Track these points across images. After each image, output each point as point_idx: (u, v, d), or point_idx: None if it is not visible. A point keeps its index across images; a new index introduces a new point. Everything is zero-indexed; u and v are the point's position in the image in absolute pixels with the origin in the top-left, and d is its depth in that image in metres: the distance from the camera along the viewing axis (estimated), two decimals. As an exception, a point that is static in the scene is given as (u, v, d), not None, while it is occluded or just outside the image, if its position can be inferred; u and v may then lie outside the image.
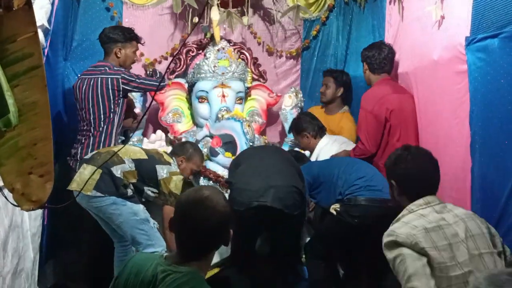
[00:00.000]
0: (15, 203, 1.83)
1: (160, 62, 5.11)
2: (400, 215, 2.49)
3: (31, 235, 3.78)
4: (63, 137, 4.39)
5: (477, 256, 2.34)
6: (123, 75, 4.20)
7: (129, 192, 3.71)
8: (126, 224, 3.68)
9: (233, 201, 3.42)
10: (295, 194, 3.54)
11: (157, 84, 4.30)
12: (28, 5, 1.82)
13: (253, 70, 5.09)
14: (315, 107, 5.09)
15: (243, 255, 3.68)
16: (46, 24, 4.02)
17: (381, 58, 4.13)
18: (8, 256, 3.25)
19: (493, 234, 2.46)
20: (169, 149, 4.60)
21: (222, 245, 1.97)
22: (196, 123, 4.92)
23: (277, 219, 3.51)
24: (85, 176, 3.65)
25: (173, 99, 4.97)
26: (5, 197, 1.88)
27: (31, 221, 3.79)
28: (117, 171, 3.67)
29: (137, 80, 4.24)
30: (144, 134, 4.93)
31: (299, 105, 5.08)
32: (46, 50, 4.05)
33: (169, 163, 3.86)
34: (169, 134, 4.89)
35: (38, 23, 3.91)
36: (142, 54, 5.04)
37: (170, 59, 5.06)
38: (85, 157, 3.88)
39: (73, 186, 3.67)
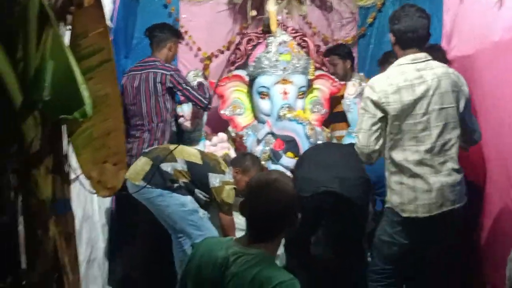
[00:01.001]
0: (92, 191, 1.94)
1: (217, 56, 5.18)
2: (388, 69, 3.09)
3: (101, 225, 3.95)
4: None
5: (437, 110, 2.98)
6: (174, 73, 4.31)
7: (176, 185, 3.76)
8: (174, 215, 3.75)
9: (297, 188, 3.39)
10: (364, 185, 3.56)
11: (200, 98, 4.37)
12: (97, 2, 1.92)
13: (316, 58, 5.06)
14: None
15: (299, 245, 3.68)
16: (109, 23, 4.16)
17: None
18: (83, 246, 3.42)
19: (460, 92, 3.09)
20: (232, 150, 4.66)
21: (290, 228, 2.00)
22: (257, 118, 4.91)
23: (342, 208, 3.52)
24: (137, 167, 3.77)
25: (233, 91, 4.95)
26: (82, 185, 2.00)
27: (101, 212, 3.96)
28: (167, 167, 3.73)
29: (184, 85, 4.33)
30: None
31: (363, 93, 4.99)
32: (109, 48, 4.20)
33: (223, 172, 3.87)
34: (229, 128, 4.90)
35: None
36: (199, 49, 5.13)
37: (226, 53, 5.12)
38: (144, 151, 4.00)
39: (126, 174, 3.77)
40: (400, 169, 3.04)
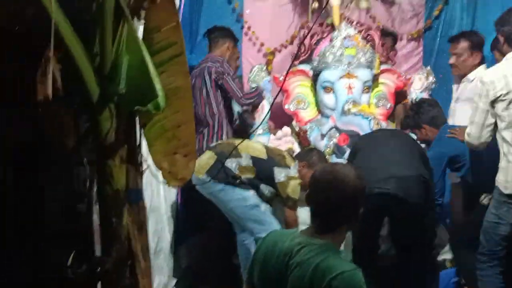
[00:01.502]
0: (164, 181, 2.00)
1: (280, 51, 5.19)
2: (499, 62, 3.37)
3: (167, 217, 4.04)
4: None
5: None
6: (218, 64, 4.37)
7: (238, 181, 3.79)
8: (236, 210, 3.79)
9: None
10: (421, 184, 3.44)
11: (236, 92, 4.39)
12: (170, -3, 1.97)
13: (381, 52, 5.00)
14: None
15: (366, 253, 3.51)
16: (175, 19, 4.25)
17: None
18: (150, 236, 3.48)
19: None
20: (296, 145, 4.67)
21: (352, 221, 1.98)
22: (321, 112, 4.90)
23: (400, 210, 3.42)
24: (202, 160, 3.81)
25: (296, 86, 4.96)
26: (154, 175, 2.06)
27: (167, 205, 4.05)
28: (232, 164, 3.76)
29: (225, 75, 4.36)
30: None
31: (430, 87, 4.90)
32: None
33: (288, 167, 3.87)
34: (293, 123, 4.92)
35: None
36: (262, 44, 5.15)
37: (289, 47, 5.13)
38: (209, 145, 4.06)
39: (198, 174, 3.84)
40: (509, 149, 3.23)
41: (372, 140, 3.81)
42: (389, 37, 4.92)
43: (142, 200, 2.00)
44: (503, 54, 3.45)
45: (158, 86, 1.83)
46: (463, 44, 4.35)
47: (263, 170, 3.82)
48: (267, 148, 4.00)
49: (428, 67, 4.91)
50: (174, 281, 4.23)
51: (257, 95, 4.57)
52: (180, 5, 4.37)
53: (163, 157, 1.97)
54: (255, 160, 3.83)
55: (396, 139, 3.78)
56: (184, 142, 1.99)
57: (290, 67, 3.34)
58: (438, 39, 5.24)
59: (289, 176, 3.83)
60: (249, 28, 5.15)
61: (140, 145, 1.99)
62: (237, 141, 3.90)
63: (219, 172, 3.70)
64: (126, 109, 1.87)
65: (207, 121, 4.38)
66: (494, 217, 3.34)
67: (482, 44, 4.40)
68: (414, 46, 5.30)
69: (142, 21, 1.95)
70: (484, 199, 3.60)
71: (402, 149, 3.63)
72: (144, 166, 2.05)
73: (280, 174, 3.82)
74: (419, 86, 4.83)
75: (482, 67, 4.29)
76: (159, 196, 3.86)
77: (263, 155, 3.87)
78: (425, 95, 4.78)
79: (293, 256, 1.91)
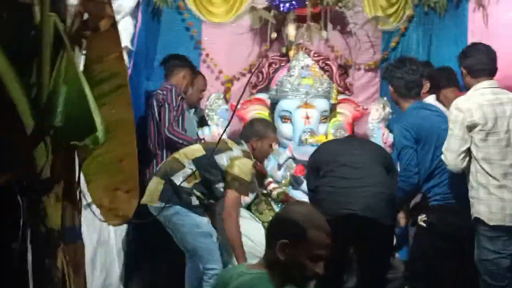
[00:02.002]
0: (103, 219, 1.89)
1: (238, 79, 5.16)
2: (467, 93, 3.43)
3: (117, 250, 3.90)
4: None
5: None
6: (166, 91, 4.28)
7: (194, 200, 3.65)
8: (188, 235, 3.65)
9: (320, 206, 3.24)
10: (388, 201, 3.41)
11: (166, 123, 4.23)
12: (114, 26, 1.88)
13: (339, 82, 5.00)
14: None
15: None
16: (129, 46, 4.17)
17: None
18: (97, 272, 3.37)
19: None
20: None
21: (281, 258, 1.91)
22: (278, 142, 4.85)
23: (369, 233, 3.36)
24: (151, 189, 3.69)
25: (254, 115, 4.94)
26: (93, 212, 1.94)
27: (117, 237, 3.92)
28: (178, 178, 3.61)
29: (166, 106, 4.24)
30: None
31: (387, 117, 4.92)
32: (129, 71, 4.20)
33: (230, 149, 3.68)
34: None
35: (122, 45, 4.08)
36: (220, 72, 5.11)
37: (248, 75, 5.09)
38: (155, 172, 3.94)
39: (143, 200, 3.71)
40: (488, 180, 3.27)
41: (333, 153, 3.65)
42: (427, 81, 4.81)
43: (81, 240, 1.89)
44: (466, 86, 3.58)
45: (98, 119, 1.73)
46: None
47: (206, 166, 3.62)
48: (204, 143, 3.91)
49: (385, 98, 4.93)
50: (124, 316, 4.08)
51: (186, 140, 4.22)
52: (135, 31, 4.29)
53: (103, 193, 1.86)
54: (196, 161, 3.65)
55: (358, 148, 3.68)
56: (127, 177, 1.89)
57: (243, 93, 3.30)
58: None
59: (233, 157, 3.64)
60: (207, 55, 5.12)
61: (79, 181, 1.88)
62: (176, 154, 3.75)
63: (170, 194, 3.59)
64: (63, 143, 1.77)
65: (156, 151, 4.27)
66: (493, 253, 3.29)
67: (431, 74, 4.46)
68: (372, 76, 5.34)
69: (83, 51, 1.86)
70: (422, 220, 3.60)
71: (367, 160, 3.57)
72: (84, 203, 1.94)
73: (222, 159, 3.63)
74: (376, 117, 4.85)
75: (431, 97, 4.33)
76: (108, 228, 3.72)
77: (201, 152, 3.69)
78: (382, 126, 4.81)
79: (229, 284, 1.95)
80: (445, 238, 3.43)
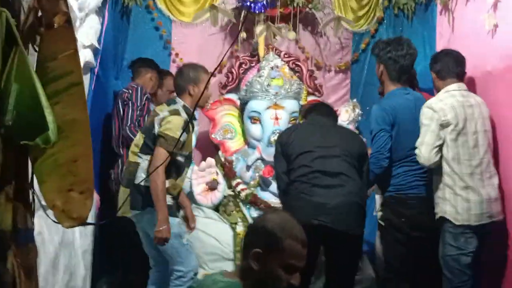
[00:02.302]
0: (56, 220, 1.84)
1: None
2: (438, 95, 3.52)
3: (82, 252, 3.83)
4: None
5: (483, 131, 3.40)
6: (131, 91, 4.23)
7: (167, 200, 3.50)
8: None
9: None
10: (359, 211, 3.37)
11: (129, 121, 4.19)
12: (68, 23, 1.83)
13: (309, 83, 4.99)
14: None
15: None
16: (96, 44, 4.10)
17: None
18: (59, 273, 3.29)
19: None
20: (220, 176, 4.54)
21: (257, 267, 1.87)
22: (247, 143, 4.83)
23: (338, 244, 3.33)
24: (120, 199, 3.62)
25: (224, 115, 4.90)
26: (47, 214, 1.89)
27: (82, 239, 3.84)
28: (141, 176, 3.51)
29: (130, 104, 4.19)
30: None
31: (357, 119, 4.91)
32: (96, 69, 4.13)
33: (157, 115, 3.53)
34: (219, 153, 4.82)
35: (88, 43, 4.02)
36: (190, 72, 5.06)
37: (218, 76, 5.06)
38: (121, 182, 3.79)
39: (118, 213, 3.59)
40: (455, 180, 3.36)
41: (302, 143, 3.49)
42: None
43: (33, 242, 1.83)
44: (437, 89, 3.66)
45: (50, 118, 1.69)
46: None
47: (150, 147, 3.49)
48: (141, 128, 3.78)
49: (355, 100, 4.94)
50: (89, 319, 4.01)
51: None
52: (101, 30, 4.23)
53: (56, 194, 1.81)
54: (142, 149, 3.53)
55: (330, 139, 3.52)
56: (81, 178, 1.84)
57: (206, 85, 3.24)
58: (365, 71, 5.30)
59: (161, 120, 3.47)
60: (177, 55, 5.08)
61: (32, 181, 1.83)
62: (130, 158, 3.62)
63: (137, 199, 3.48)
64: (14, 142, 1.72)
65: (120, 152, 4.21)
66: (455, 249, 3.38)
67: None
68: (342, 78, 5.34)
69: (37, 48, 1.81)
70: (379, 218, 3.67)
71: (338, 157, 3.43)
72: (38, 204, 1.89)
73: (155, 129, 3.48)
74: (345, 118, 4.84)
75: None
76: (73, 230, 3.64)
77: (142, 138, 3.57)
78: (351, 127, 4.80)
79: None
80: (401, 230, 3.48)
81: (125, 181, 3.56)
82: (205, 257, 4.23)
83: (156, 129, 3.47)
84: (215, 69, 2.72)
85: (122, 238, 4.25)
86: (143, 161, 3.51)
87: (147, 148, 3.50)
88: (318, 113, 3.68)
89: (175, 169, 3.54)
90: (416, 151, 3.42)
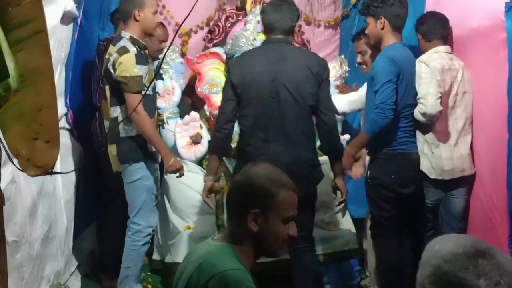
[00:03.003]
0: (21, 169, 1.84)
1: (196, 32, 5.05)
2: (428, 53, 3.71)
3: (65, 202, 3.85)
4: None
5: (462, 93, 3.63)
6: (107, 43, 4.03)
7: (150, 147, 3.55)
8: (131, 186, 3.55)
9: None
10: (309, 164, 3.30)
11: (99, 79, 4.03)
12: (32, -32, 1.79)
13: (296, 38, 4.92)
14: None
15: None
16: (79, -6, 4.03)
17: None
18: (38, 223, 3.31)
19: None
20: (204, 130, 4.51)
21: (248, 227, 1.77)
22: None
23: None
24: (113, 157, 3.61)
25: (210, 69, 4.84)
26: (13, 162, 1.89)
27: (64, 189, 3.86)
28: (122, 133, 3.50)
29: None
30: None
31: (344, 76, 4.86)
32: (79, 20, 4.06)
33: (108, 60, 3.45)
34: (205, 107, 4.79)
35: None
36: (177, 24, 4.99)
37: (206, 29, 4.99)
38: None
39: (113, 169, 3.66)
40: (433, 137, 3.62)
41: (255, 78, 3.27)
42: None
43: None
44: (422, 50, 3.77)
45: (11, 65, 1.68)
46: (365, 41, 4.32)
47: (118, 90, 3.42)
48: None
49: (342, 56, 4.88)
50: (72, 268, 4.07)
51: None
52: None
53: (20, 143, 1.81)
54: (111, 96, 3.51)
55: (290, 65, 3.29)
56: (46, 127, 1.84)
57: (172, 42, 3.18)
58: (355, 28, 5.21)
59: (113, 62, 3.39)
60: (163, 7, 4.97)
61: (-4, 129, 1.83)
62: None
63: (125, 152, 3.52)
64: (-25, 90, 1.71)
65: (98, 104, 4.18)
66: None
67: None
68: (331, 33, 5.26)
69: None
70: (369, 177, 3.61)
71: (294, 110, 3.26)
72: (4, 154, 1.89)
73: (112, 69, 3.38)
74: (332, 75, 4.77)
75: None
76: (55, 179, 3.66)
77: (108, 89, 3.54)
78: (338, 83, 4.76)
79: (190, 257, 1.83)
80: (389, 188, 3.44)
81: (110, 140, 3.56)
82: (188, 211, 4.26)
83: (113, 75, 3.39)
84: (184, 20, 2.65)
85: (106, 190, 4.29)
86: (118, 113, 3.48)
87: (115, 99, 3.46)
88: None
89: (149, 105, 3.48)
90: (422, 101, 3.49)
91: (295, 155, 3.25)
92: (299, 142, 3.28)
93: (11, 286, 2.25)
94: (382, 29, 3.49)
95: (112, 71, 3.39)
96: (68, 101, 3.94)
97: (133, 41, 3.44)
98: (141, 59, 3.41)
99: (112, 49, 3.45)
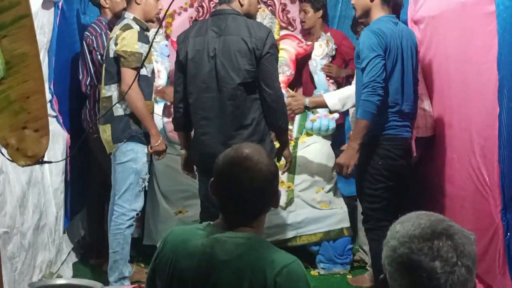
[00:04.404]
0: (11, 159, 1.80)
1: (179, 14, 4.98)
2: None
3: (53, 190, 3.80)
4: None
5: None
6: (96, 26, 4.08)
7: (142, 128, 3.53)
8: (121, 167, 3.53)
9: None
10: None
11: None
12: (14, -49, 1.73)
13: (281, 17, 4.88)
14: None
15: None
16: (59, -24, 3.93)
17: None
18: (28, 212, 3.27)
19: None
20: None
21: (272, 206, 1.78)
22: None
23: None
24: (105, 139, 3.59)
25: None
26: (2, 152, 1.85)
27: (53, 177, 3.81)
28: (118, 112, 3.49)
29: (101, 54, 3.94)
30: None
31: (331, 54, 4.82)
32: (60, 3, 3.97)
33: (111, 38, 3.46)
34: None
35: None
36: (160, 8, 4.90)
37: (189, 10, 4.92)
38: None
39: (107, 150, 3.64)
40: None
41: (198, 67, 3.21)
42: (322, 10, 4.80)
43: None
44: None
45: (-4, 52, 1.62)
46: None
47: (114, 70, 3.46)
48: None
49: (329, 34, 4.83)
50: (63, 256, 4.03)
51: None
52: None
53: (9, 132, 1.76)
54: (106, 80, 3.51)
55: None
56: (35, 116, 1.79)
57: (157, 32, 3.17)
58: (340, 4, 5.16)
59: (116, 41, 3.40)
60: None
61: (-17, 119, 1.77)
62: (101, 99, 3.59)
63: (117, 131, 3.51)
64: (-40, 79, 1.65)
65: (87, 91, 4.11)
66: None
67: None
68: (317, 12, 5.20)
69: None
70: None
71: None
72: None
73: (112, 50, 3.40)
74: (319, 53, 4.76)
75: None
76: (43, 168, 3.60)
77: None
78: (325, 62, 4.73)
79: (216, 255, 1.66)
80: (377, 177, 3.32)
81: (103, 120, 3.51)
82: (178, 195, 4.25)
83: (113, 51, 3.38)
84: (170, 3, 2.60)
85: (95, 175, 4.25)
86: (112, 92, 3.44)
87: (110, 76, 3.44)
88: None
89: (145, 86, 3.48)
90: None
91: (233, 133, 3.17)
92: (237, 120, 3.19)
93: (3, 277, 2.21)
94: (372, 0, 3.34)
95: (113, 47, 3.39)
96: (52, 87, 3.87)
97: (136, 21, 3.46)
98: (143, 37, 3.42)
99: (116, 28, 3.47)
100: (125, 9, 3.65)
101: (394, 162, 3.32)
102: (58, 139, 3.88)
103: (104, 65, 3.49)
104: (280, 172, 3.71)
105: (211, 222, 1.77)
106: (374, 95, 3.15)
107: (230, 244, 1.66)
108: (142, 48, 3.36)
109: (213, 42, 3.17)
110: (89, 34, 4.08)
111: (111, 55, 3.42)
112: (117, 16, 3.85)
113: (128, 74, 3.31)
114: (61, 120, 4.00)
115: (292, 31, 4.91)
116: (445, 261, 1.11)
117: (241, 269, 1.63)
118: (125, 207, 3.53)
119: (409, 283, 1.13)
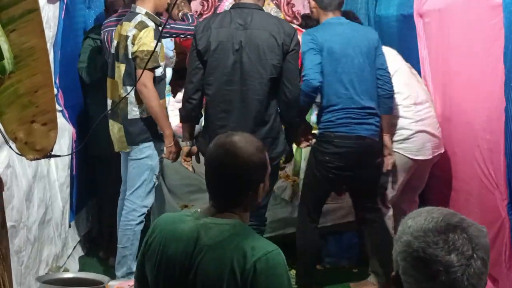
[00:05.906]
0: (19, 153, 1.80)
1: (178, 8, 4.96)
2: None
3: (59, 185, 3.81)
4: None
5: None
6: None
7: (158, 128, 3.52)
8: (136, 163, 3.53)
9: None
10: (271, 139, 3.23)
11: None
12: None
13: (287, 11, 4.87)
14: None
15: None
16: (64, -29, 3.93)
17: None
18: (34, 206, 3.28)
19: None
20: None
21: (255, 196, 1.77)
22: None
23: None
24: (115, 136, 3.57)
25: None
26: (10, 146, 1.85)
27: (59, 171, 3.82)
28: (132, 114, 3.47)
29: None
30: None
31: None
32: (64, -3, 3.97)
33: (126, 37, 3.41)
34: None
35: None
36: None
37: (193, 3, 4.90)
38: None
39: (116, 148, 3.63)
40: None
41: (223, 57, 3.16)
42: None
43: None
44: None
45: (5, 46, 1.62)
46: None
47: (131, 70, 3.42)
48: None
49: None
50: (69, 250, 4.05)
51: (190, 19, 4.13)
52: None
53: (18, 126, 1.76)
54: (124, 79, 3.47)
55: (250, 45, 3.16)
56: (43, 109, 1.79)
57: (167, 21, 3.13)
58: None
59: (132, 40, 3.37)
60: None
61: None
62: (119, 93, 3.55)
63: (133, 134, 3.49)
64: (-31, 73, 1.65)
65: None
66: None
67: None
68: (322, 4, 5.19)
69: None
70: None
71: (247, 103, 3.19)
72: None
73: (131, 48, 3.37)
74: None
75: None
76: (48, 162, 3.61)
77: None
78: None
79: (201, 240, 1.68)
80: (322, 172, 3.49)
81: (120, 118, 3.49)
82: (184, 189, 4.24)
83: (130, 51, 3.36)
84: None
85: (101, 170, 4.26)
86: (130, 94, 3.42)
87: (129, 78, 3.42)
88: None
89: (158, 86, 3.46)
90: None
91: (254, 128, 3.13)
92: (259, 115, 3.18)
93: (11, 271, 2.22)
94: (314, 8, 3.59)
95: (130, 48, 3.36)
96: (57, 81, 3.88)
97: (149, 16, 3.40)
98: (157, 35, 3.36)
99: (128, 25, 3.40)
100: (133, 1, 3.57)
101: (347, 156, 3.44)
102: (63, 134, 3.88)
103: (123, 64, 3.43)
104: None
105: (199, 209, 1.81)
106: (308, 86, 3.36)
107: (215, 230, 1.69)
108: (157, 46, 3.34)
109: (239, 34, 3.12)
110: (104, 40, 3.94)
111: (130, 55, 3.38)
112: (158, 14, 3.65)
113: (144, 74, 3.25)
114: (66, 115, 4.01)
115: (297, 25, 4.88)
116: (461, 254, 1.10)
117: (223, 253, 1.66)
118: (136, 203, 3.53)
119: (426, 277, 1.12)
